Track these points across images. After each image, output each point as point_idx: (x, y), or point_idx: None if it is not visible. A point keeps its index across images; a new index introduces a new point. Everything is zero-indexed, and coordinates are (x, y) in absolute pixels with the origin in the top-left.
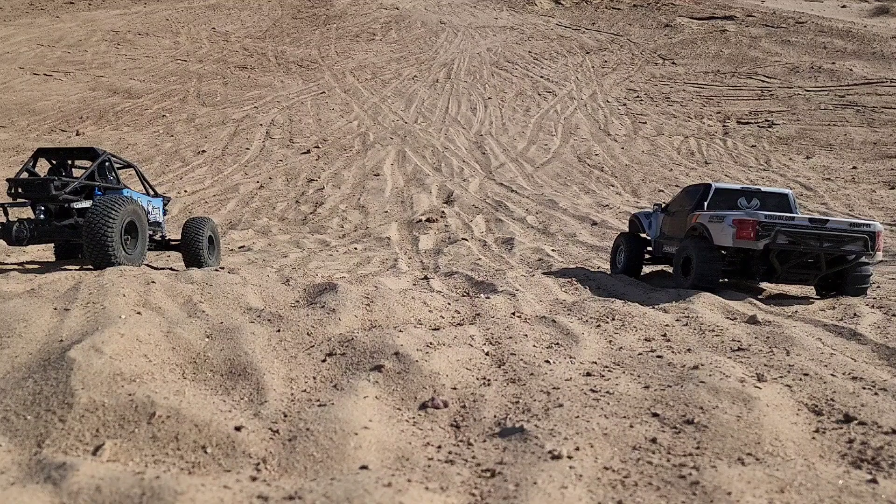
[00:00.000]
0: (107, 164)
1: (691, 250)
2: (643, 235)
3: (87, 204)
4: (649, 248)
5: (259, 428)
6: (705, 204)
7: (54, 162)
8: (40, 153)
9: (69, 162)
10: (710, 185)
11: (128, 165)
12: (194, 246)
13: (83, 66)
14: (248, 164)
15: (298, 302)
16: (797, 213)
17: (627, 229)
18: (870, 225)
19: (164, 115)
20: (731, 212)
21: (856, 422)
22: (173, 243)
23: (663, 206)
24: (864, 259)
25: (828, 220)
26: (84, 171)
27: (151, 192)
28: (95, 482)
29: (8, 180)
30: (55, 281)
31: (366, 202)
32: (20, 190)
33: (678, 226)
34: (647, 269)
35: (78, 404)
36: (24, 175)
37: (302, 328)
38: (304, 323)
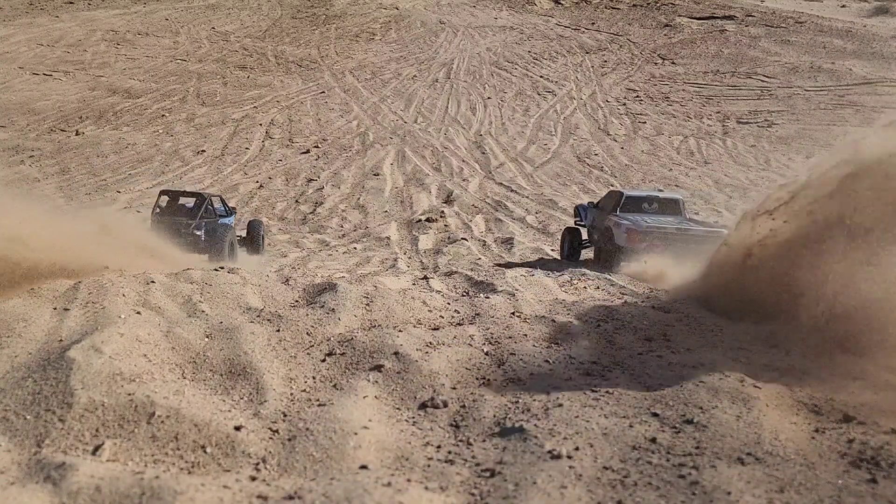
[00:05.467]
0: (209, 202)
1: (602, 245)
2: (581, 224)
3: (200, 232)
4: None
5: (259, 428)
6: (618, 209)
7: (169, 197)
8: (163, 192)
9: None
10: (622, 194)
11: (217, 196)
12: (255, 239)
13: (83, 66)
14: (248, 164)
15: (298, 302)
16: (684, 216)
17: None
18: (723, 228)
19: (163, 115)
20: (626, 220)
21: (855, 421)
22: (241, 238)
23: (596, 203)
24: None
25: (691, 228)
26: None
27: (226, 210)
28: (95, 482)
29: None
30: (55, 281)
31: (365, 202)
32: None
33: (602, 221)
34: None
35: (77, 404)
36: (157, 210)
37: (301, 328)
38: (303, 323)
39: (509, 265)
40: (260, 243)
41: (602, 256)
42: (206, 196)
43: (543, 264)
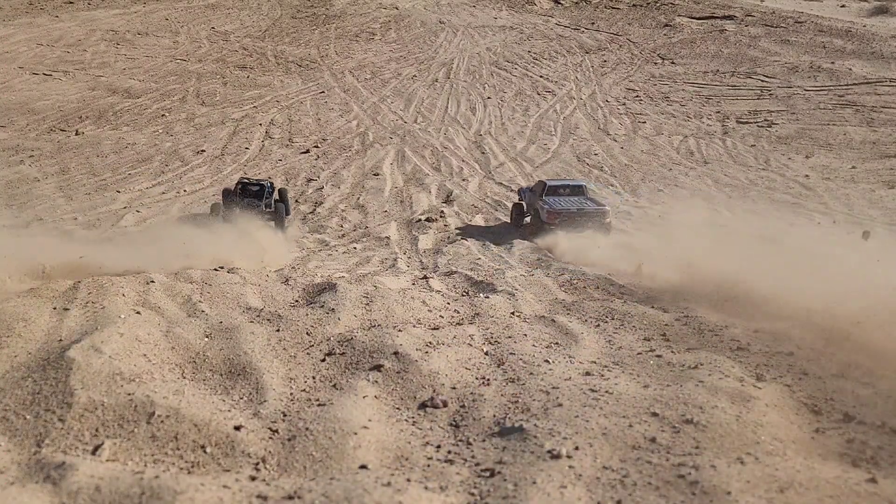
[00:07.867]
0: (267, 187)
1: (533, 219)
2: (522, 202)
3: (268, 210)
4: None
5: (258, 427)
6: (543, 194)
7: (245, 183)
8: (240, 181)
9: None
10: (545, 184)
11: (269, 181)
12: (285, 204)
13: (82, 66)
14: (248, 164)
15: (298, 301)
16: (586, 196)
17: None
18: (606, 209)
19: (163, 115)
20: (547, 204)
21: (855, 421)
22: (277, 202)
23: (531, 187)
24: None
25: (586, 207)
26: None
27: (269, 186)
28: (95, 482)
29: (226, 201)
30: (55, 280)
31: (365, 202)
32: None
33: (534, 201)
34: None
35: (77, 404)
36: (237, 193)
37: (301, 328)
38: (303, 322)
39: (468, 232)
40: (288, 205)
41: (533, 227)
42: (268, 182)
43: (500, 229)
